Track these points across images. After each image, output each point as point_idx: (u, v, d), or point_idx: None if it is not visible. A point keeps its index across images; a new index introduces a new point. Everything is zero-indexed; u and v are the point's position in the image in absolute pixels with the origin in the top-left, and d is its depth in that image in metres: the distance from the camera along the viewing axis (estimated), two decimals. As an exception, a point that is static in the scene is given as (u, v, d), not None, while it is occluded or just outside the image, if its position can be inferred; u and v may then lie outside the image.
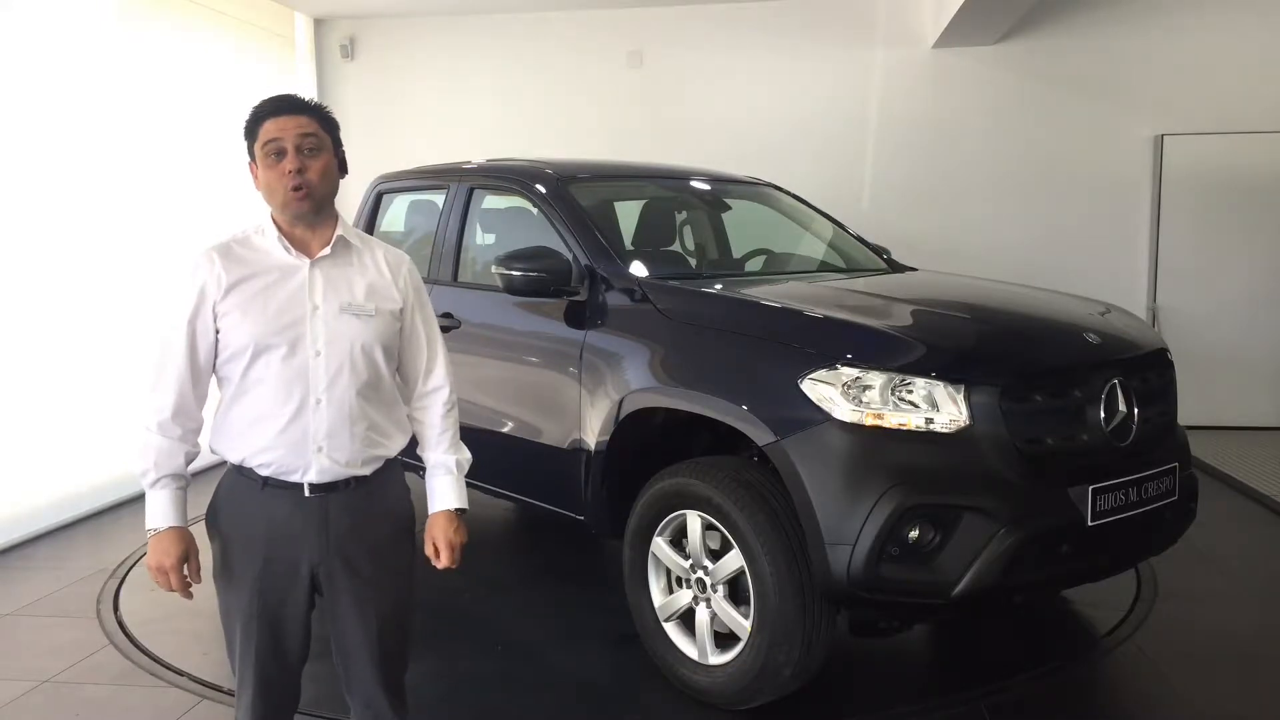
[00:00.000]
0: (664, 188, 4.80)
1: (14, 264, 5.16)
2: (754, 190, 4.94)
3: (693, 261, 4.62)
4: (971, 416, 2.89)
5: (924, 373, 2.91)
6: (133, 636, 3.96)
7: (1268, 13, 7.16)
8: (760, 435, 3.03)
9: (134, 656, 3.79)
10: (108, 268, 5.79)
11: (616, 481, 3.60)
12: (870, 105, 7.61)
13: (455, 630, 3.94)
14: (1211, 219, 7.29)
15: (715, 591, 3.22)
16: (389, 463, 2.24)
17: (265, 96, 2.15)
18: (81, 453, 5.57)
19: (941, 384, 2.90)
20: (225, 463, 2.19)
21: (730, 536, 3.11)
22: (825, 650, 3.09)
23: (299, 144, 2.08)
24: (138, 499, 2.16)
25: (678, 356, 3.45)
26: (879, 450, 2.87)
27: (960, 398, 2.89)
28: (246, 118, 2.14)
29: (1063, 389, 3.07)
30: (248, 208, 2.38)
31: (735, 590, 3.19)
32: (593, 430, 3.61)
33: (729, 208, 4.87)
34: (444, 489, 2.27)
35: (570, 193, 4.11)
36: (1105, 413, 3.08)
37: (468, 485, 2.33)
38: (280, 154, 2.08)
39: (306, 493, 2.12)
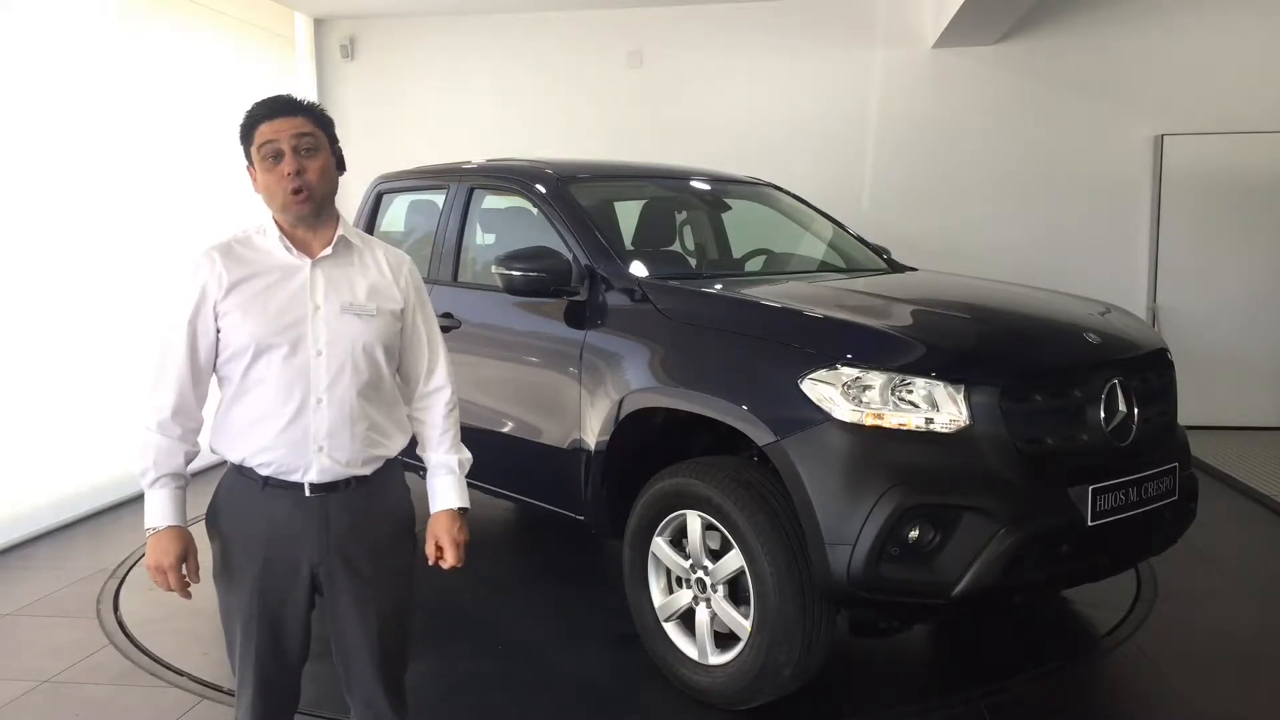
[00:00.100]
0: (664, 188, 4.80)
1: (14, 264, 5.16)
2: (754, 190, 4.94)
3: (693, 261, 4.62)
4: (971, 416, 2.89)
5: (924, 373, 2.91)
6: (133, 636, 3.96)
7: (1268, 13, 7.16)
8: (760, 435, 3.03)
9: (134, 656, 3.79)
10: (108, 268, 5.79)
11: (616, 481, 3.60)
12: (870, 105, 7.61)
13: (455, 630, 3.94)
14: (1211, 219, 7.29)
15: (715, 591, 3.22)
16: (389, 463, 2.23)
17: (259, 99, 2.15)
18: (81, 453, 5.57)
19: (941, 384, 2.90)
20: (225, 462, 2.19)
21: (730, 536, 3.11)
22: (825, 650, 3.09)
23: (296, 145, 2.08)
24: (138, 499, 2.15)
25: (678, 356, 3.45)
26: (879, 450, 2.87)
27: (960, 398, 2.89)
28: (241, 121, 2.13)
29: (1063, 389, 3.07)
30: (248, 208, 2.38)
31: (735, 590, 3.19)
32: (593, 430, 3.61)
33: (729, 208, 4.87)
34: (446, 488, 2.27)
35: (570, 193, 4.11)
36: (1105, 413, 3.08)
37: (468, 485, 2.33)
38: (277, 156, 2.08)
39: (307, 492, 2.12)
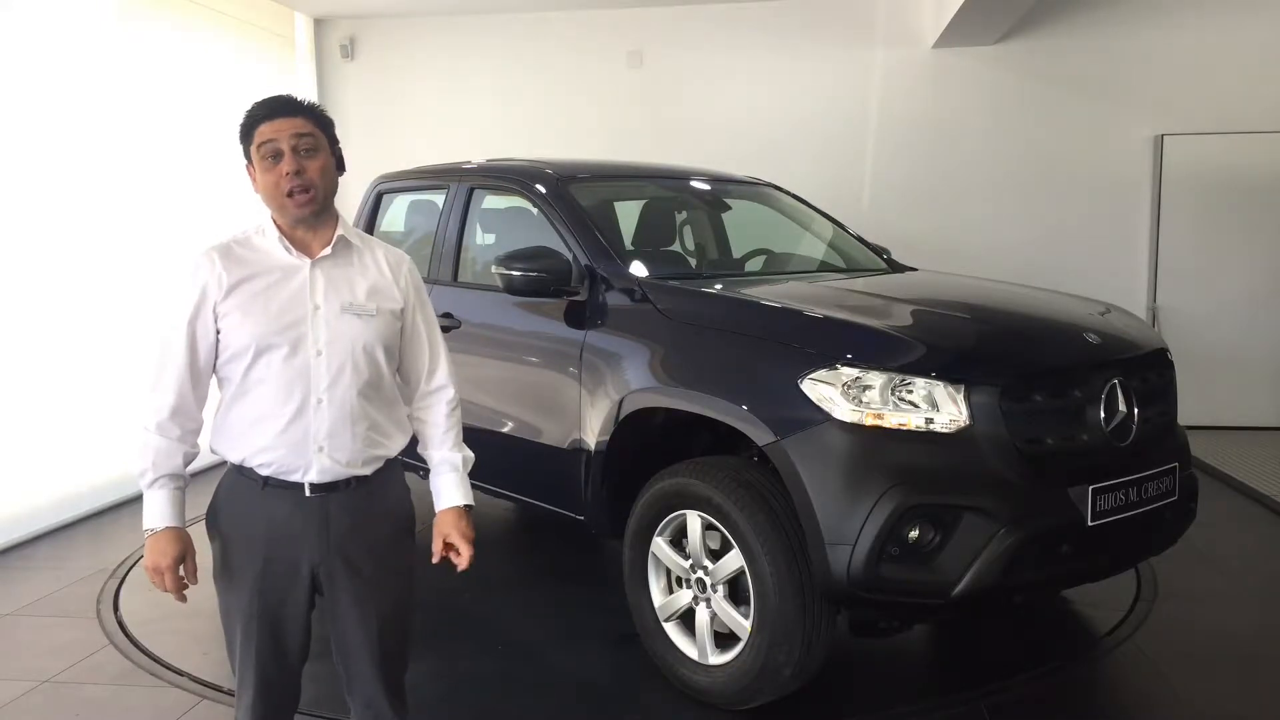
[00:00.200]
0: (664, 188, 4.80)
1: (14, 264, 5.17)
2: (754, 190, 4.94)
3: (693, 261, 4.62)
4: (971, 416, 2.89)
5: (924, 373, 2.91)
6: (133, 636, 3.96)
7: (1268, 13, 7.16)
8: (760, 435, 3.03)
9: (134, 656, 3.79)
10: (108, 268, 5.79)
11: (616, 481, 3.60)
12: (870, 105, 7.61)
13: (455, 630, 3.94)
14: (1211, 219, 7.29)
15: (715, 591, 3.22)
16: (389, 463, 2.23)
17: (259, 99, 2.15)
18: (81, 453, 5.57)
19: (941, 384, 2.90)
20: (225, 463, 2.19)
21: (730, 536, 3.11)
22: (825, 650, 3.09)
23: (295, 145, 2.08)
24: (138, 499, 2.15)
25: (678, 356, 3.45)
26: (879, 450, 2.87)
27: (960, 398, 2.89)
28: (241, 121, 2.13)
29: (1063, 389, 3.07)
30: (248, 208, 2.38)
31: (735, 590, 3.19)
32: (593, 430, 3.61)
33: (729, 208, 4.87)
34: (451, 486, 2.27)
35: (570, 193, 4.11)
36: (1105, 413, 3.08)
37: (468, 484, 2.33)
38: (277, 156, 2.08)
39: (307, 493, 2.12)
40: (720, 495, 3.10)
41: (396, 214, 5.14)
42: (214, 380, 2.17)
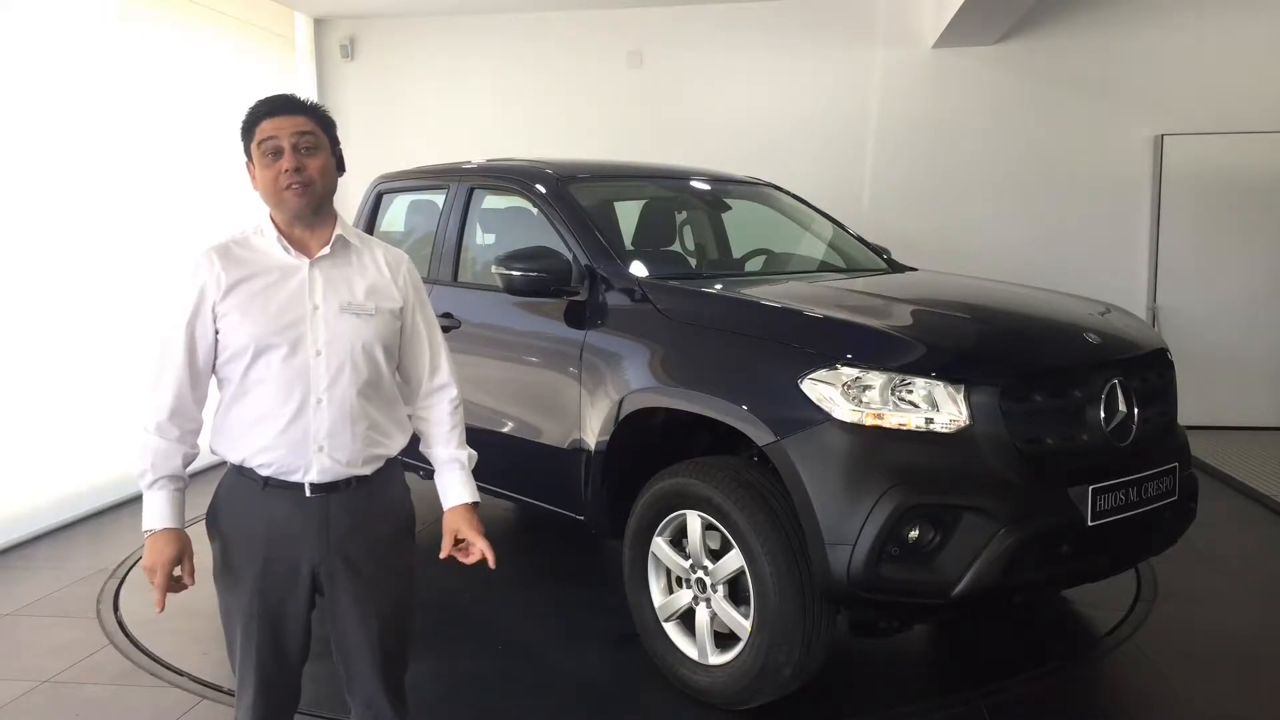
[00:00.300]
0: (664, 188, 4.80)
1: (14, 264, 5.17)
2: (754, 190, 4.94)
3: (693, 261, 4.62)
4: (971, 416, 2.89)
5: (924, 373, 2.91)
6: (133, 636, 3.97)
7: (1268, 13, 7.16)
8: (760, 435, 3.03)
9: (134, 656, 3.79)
10: (108, 268, 5.79)
11: (616, 481, 3.60)
12: (870, 105, 7.61)
13: (455, 630, 3.94)
14: (1211, 219, 7.29)
15: (715, 591, 3.22)
16: (389, 462, 2.23)
17: (261, 97, 2.15)
18: (81, 453, 5.57)
19: (941, 384, 2.90)
20: (225, 463, 2.19)
21: (730, 536, 3.11)
22: (825, 650, 3.09)
23: (296, 143, 2.08)
24: (138, 499, 2.15)
25: (678, 356, 3.45)
26: (879, 450, 2.87)
27: (960, 398, 2.89)
28: (243, 117, 2.13)
29: (1063, 389, 3.07)
30: (248, 208, 2.38)
31: (735, 590, 3.19)
32: (593, 430, 3.61)
33: (729, 208, 4.87)
34: (458, 483, 2.27)
35: (570, 193, 4.11)
36: (1105, 413, 3.08)
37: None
38: (277, 153, 2.08)
39: (307, 493, 2.12)
40: (720, 495, 3.10)
41: (396, 214, 5.14)
42: (213, 381, 2.17)
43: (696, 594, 3.29)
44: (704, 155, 6.54)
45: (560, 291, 3.75)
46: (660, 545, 3.38)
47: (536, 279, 3.72)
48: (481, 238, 4.67)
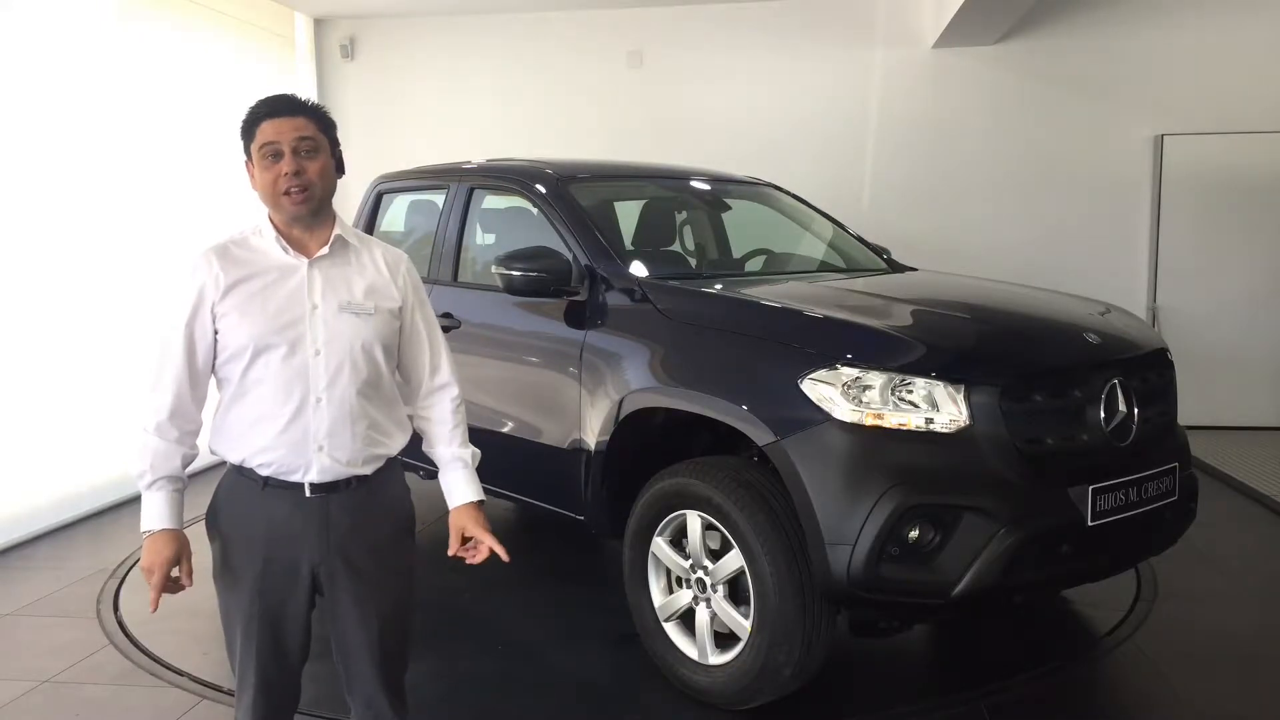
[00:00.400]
0: (664, 188, 4.80)
1: (14, 264, 5.16)
2: (754, 190, 4.94)
3: (693, 261, 4.62)
4: (971, 416, 2.89)
5: (924, 373, 2.91)
6: (133, 636, 3.97)
7: (1268, 13, 7.16)
8: (760, 435, 3.03)
9: (134, 656, 3.79)
10: (108, 268, 5.79)
11: (616, 481, 3.60)
12: (870, 105, 7.61)
13: (455, 630, 3.94)
14: (1211, 219, 7.29)
15: (715, 591, 3.22)
16: (389, 462, 2.23)
17: (261, 97, 2.15)
18: (81, 453, 5.57)
19: (941, 384, 2.90)
20: (224, 463, 2.19)
21: (730, 536, 3.11)
22: (825, 650, 3.09)
23: (296, 146, 2.08)
24: (138, 499, 2.15)
25: (678, 356, 3.45)
26: (879, 450, 2.87)
27: (960, 398, 2.89)
28: (243, 118, 2.13)
29: (1063, 389, 3.07)
30: (248, 208, 2.38)
31: (735, 590, 3.19)
32: (593, 430, 3.61)
33: (729, 208, 4.87)
34: (463, 482, 2.28)
35: (570, 193, 4.10)
36: (1105, 413, 3.08)
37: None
38: (277, 156, 2.08)
39: (307, 493, 2.12)
40: (720, 495, 3.10)
41: (396, 214, 5.14)
42: (213, 381, 2.17)
43: (696, 594, 3.29)
44: (704, 155, 6.54)
45: (560, 291, 3.75)
46: (660, 545, 3.38)
47: (536, 279, 3.72)
48: (481, 238, 4.67)
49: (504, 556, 2.22)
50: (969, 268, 5.79)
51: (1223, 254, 7.32)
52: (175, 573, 2.10)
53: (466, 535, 2.24)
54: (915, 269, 4.61)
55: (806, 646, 3.02)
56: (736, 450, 3.35)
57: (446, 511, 2.28)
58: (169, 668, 3.67)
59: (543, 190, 4.14)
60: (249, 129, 2.12)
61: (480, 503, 2.28)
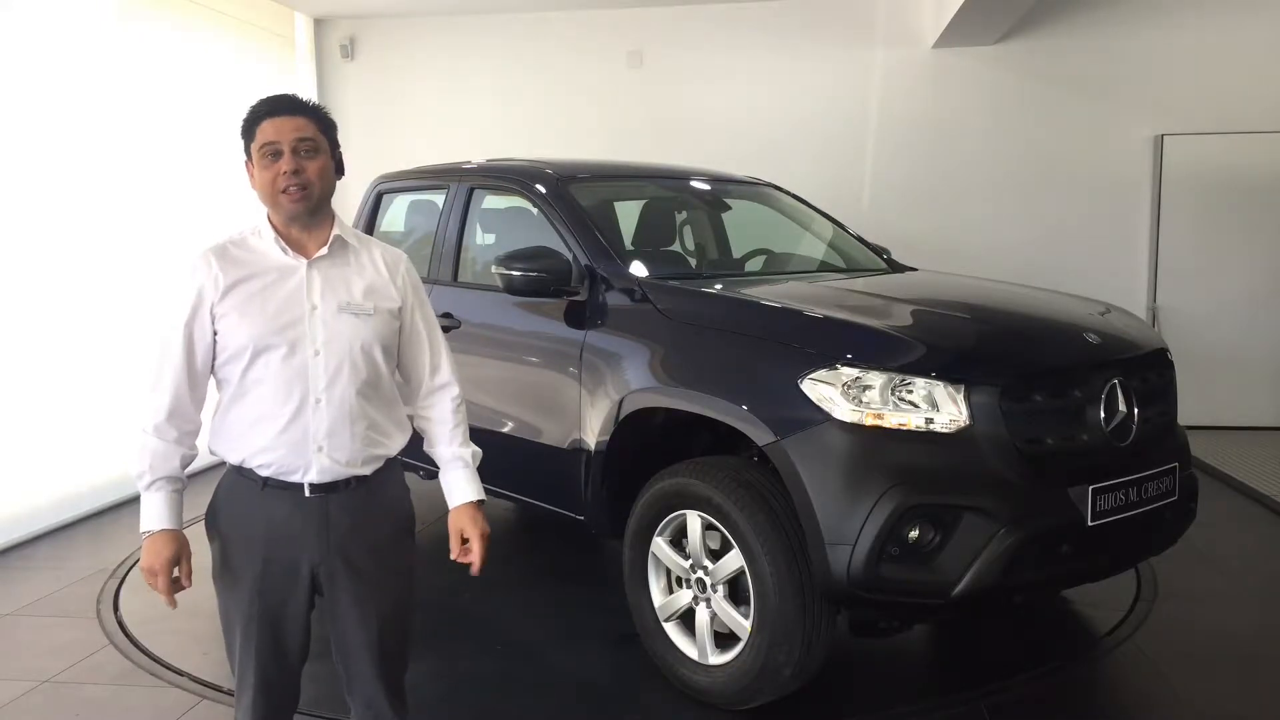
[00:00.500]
0: (664, 188, 4.80)
1: (14, 264, 5.16)
2: (754, 190, 4.94)
3: (693, 261, 4.62)
4: (971, 416, 2.89)
5: (924, 373, 2.91)
6: (133, 636, 3.97)
7: (1268, 13, 7.16)
8: (760, 435, 3.03)
9: (134, 656, 3.79)
10: (108, 268, 5.79)
11: (616, 481, 3.60)
12: (870, 105, 7.61)
13: (455, 630, 3.94)
14: (1211, 219, 7.29)
15: (715, 591, 3.22)
16: (389, 462, 2.23)
17: (263, 97, 2.15)
18: (81, 453, 5.57)
19: (941, 384, 2.90)
20: (224, 463, 2.19)
21: (730, 536, 3.11)
22: (825, 650, 3.09)
23: (295, 146, 2.08)
24: (137, 499, 2.15)
25: (678, 356, 3.45)
26: (879, 450, 2.87)
27: (960, 398, 2.89)
28: (243, 117, 2.14)
29: (1063, 389, 3.07)
30: (248, 208, 2.38)
31: (735, 590, 3.19)
32: (593, 430, 3.61)
33: (729, 208, 4.87)
34: (463, 482, 2.28)
35: (570, 193, 4.10)
36: (1105, 413, 3.08)
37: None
38: (277, 155, 2.08)
39: (307, 493, 2.12)
40: (720, 495, 3.10)
41: (396, 214, 5.14)
42: (212, 382, 2.17)
43: (696, 594, 3.29)
44: (704, 155, 6.54)
45: (560, 291, 3.75)
46: (660, 545, 3.38)
47: (536, 279, 3.72)
48: (481, 238, 4.67)
49: (474, 570, 2.23)
50: (969, 268, 5.79)
51: (1223, 254, 7.32)
52: (175, 573, 2.10)
53: (465, 537, 2.24)
54: (915, 269, 4.61)
55: (806, 646, 3.02)
56: (736, 450, 3.35)
57: (446, 511, 2.28)
58: (169, 668, 3.67)
59: (543, 190, 4.14)
60: (249, 128, 2.12)
61: (480, 503, 2.28)
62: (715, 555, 3.22)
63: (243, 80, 7.12)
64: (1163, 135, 7.29)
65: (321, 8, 7.88)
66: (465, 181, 4.60)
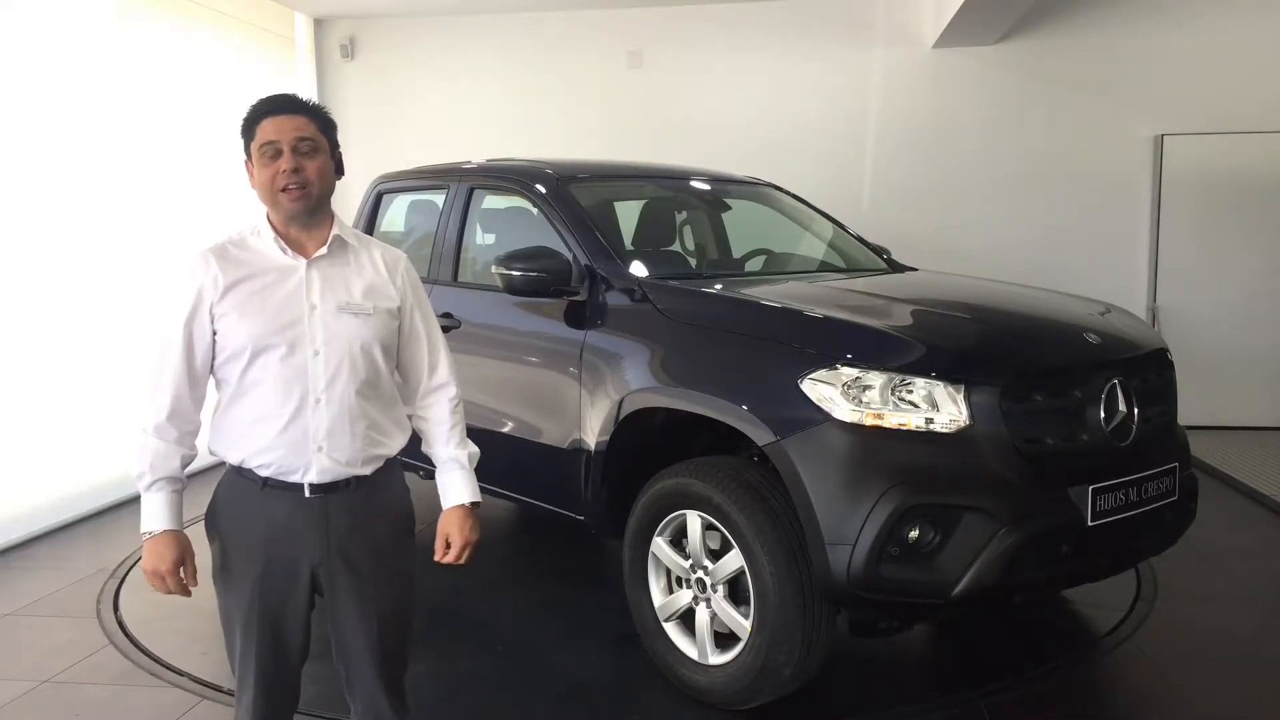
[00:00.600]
0: (664, 188, 4.80)
1: (14, 264, 5.16)
2: (754, 190, 4.94)
3: (693, 261, 4.62)
4: (971, 416, 2.89)
5: (924, 373, 2.91)
6: (133, 636, 3.96)
7: (1268, 13, 7.16)
8: (760, 435, 3.03)
9: (134, 656, 3.79)
10: (108, 268, 5.79)
11: (616, 481, 3.60)
12: (870, 105, 7.61)
13: (455, 630, 3.94)
14: (1211, 219, 7.29)
15: (715, 591, 3.22)
16: (389, 462, 2.23)
17: (263, 96, 2.15)
18: (81, 453, 5.57)
19: (941, 384, 2.90)
20: (223, 463, 2.19)
21: (730, 536, 3.11)
22: (825, 650, 3.09)
23: (295, 145, 2.08)
24: (138, 499, 2.15)
25: (678, 356, 3.45)
26: (879, 450, 2.87)
27: (960, 398, 2.89)
28: (244, 116, 2.14)
29: (1063, 389, 3.07)
30: (248, 208, 2.38)
31: (735, 590, 3.19)
32: (593, 430, 3.61)
33: (729, 208, 4.87)
34: (458, 483, 2.28)
35: (570, 193, 4.10)
36: (1105, 413, 3.08)
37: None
38: (276, 154, 2.08)
39: (307, 493, 2.12)
40: (720, 495, 3.10)
41: (396, 214, 5.14)
42: (212, 382, 2.17)
43: (696, 594, 3.29)
44: (704, 155, 6.53)
45: (560, 291, 3.75)
46: (660, 545, 3.38)
47: (536, 279, 3.72)
48: (481, 238, 4.67)
49: (446, 560, 2.25)
50: (969, 268, 5.79)
51: (1223, 254, 7.32)
52: (180, 573, 2.10)
53: (450, 541, 2.24)
54: (915, 269, 4.61)
55: (806, 646, 3.02)
56: (736, 450, 3.35)
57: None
58: (169, 668, 3.67)
59: (543, 190, 4.14)
60: (249, 127, 2.12)
61: (475, 505, 2.28)
62: (715, 555, 3.22)
63: (243, 80, 7.12)
64: (1163, 135, 7.29)
65: (321, 8, 7.88)
66: (465, 181, 4.60)
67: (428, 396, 2.30)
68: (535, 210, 4.17)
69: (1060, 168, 7.47)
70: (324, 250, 2.15)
